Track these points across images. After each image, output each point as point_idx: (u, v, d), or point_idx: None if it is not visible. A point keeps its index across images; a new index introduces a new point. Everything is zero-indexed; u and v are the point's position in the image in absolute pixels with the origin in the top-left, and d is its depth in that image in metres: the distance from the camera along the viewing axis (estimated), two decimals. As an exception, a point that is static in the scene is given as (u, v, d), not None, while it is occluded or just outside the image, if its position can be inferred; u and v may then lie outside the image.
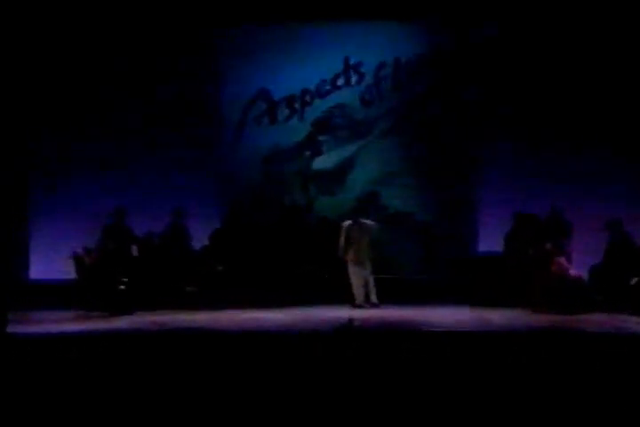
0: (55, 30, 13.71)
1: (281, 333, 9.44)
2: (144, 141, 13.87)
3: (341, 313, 11.03)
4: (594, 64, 13.45)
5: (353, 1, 13.58)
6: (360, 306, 12.01)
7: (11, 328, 8.99)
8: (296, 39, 14.26)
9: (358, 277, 12.22)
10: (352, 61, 14.30)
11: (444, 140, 14.00)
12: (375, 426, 5.85)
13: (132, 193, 13.46)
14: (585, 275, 11.78)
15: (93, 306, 11.34)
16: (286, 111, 14.39)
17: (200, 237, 13.05)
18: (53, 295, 11.82)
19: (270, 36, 14.19)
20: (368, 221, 12.54)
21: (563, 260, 11.56)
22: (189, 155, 13.85)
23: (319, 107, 14.34)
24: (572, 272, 11.47)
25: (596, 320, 10.45)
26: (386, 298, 12.20)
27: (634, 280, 11.34)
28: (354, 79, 14.33)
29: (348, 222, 12.42)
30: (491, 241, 13.06)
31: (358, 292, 12.17)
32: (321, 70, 14.27)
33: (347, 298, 12.16)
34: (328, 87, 14.32)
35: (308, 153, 14.38)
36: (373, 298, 12.17)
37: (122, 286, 11.49)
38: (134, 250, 12.65)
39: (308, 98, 14.34)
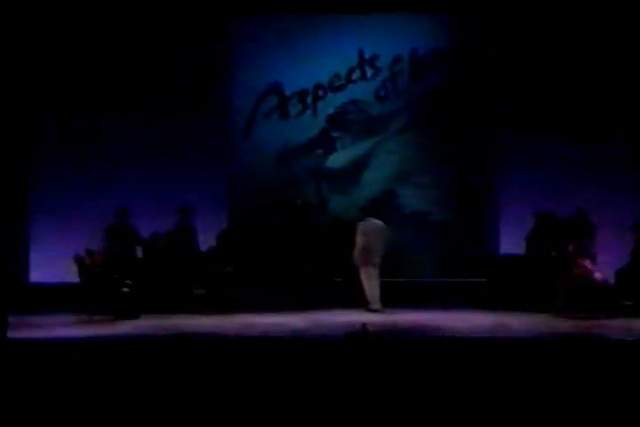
0: (64, 21, 13.72)
1: (292, 338, 9.43)
2: (149, 138, 13.81)
3: (354, 318, 10.99)
4: (622, 56, 13.37)
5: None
6: (376, 310, 11.99)
7: (10, 333, 9.00)
8: (309, 31, 14.22)
9: (374, 279, 12.19)
10: (367, 55, 14.24)
11: (463, 137, 13.93)
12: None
13: (136, 192, 13.43)
14: (610, 278, 11.70)
15: (96, 310, 11.35)
16: (298, 106, 14.34)
17: (208, 238, 13.02)
18: (54, 299, 11.85)
19: (283, 27, 14.17)
20: (379, 222, 12.51)
21: (587, 262, 11.51)
22: (197, 151, 13.85)
23: (333, 102, 14.30)
24: (597, 275, 11.42)
25: (622, 326, 10.39)
26: (401, 302, 12.17)
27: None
28: (369, 73, 14.28)
29: (364, 222, 12.38)
30: (512, 242, 13.00)
31: (373, 295, 12.13)
32: (335, 64, 14.22)
33: (359, 302, 12.13)
34: (342, 81, 14.27)
35: (320, 150, 14.34)
36: None
37: (126, 289, 11.49)
38: (139, 251, 12.66)
39: (321, 92, 14.29)
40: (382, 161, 14.18)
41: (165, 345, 8.75)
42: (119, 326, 10.57)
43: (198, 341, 9.23)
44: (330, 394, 6.50)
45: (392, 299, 12.17)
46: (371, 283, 12.17)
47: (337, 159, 14.34)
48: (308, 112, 14.35)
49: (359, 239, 12.25)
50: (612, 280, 11.70)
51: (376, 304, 12.09)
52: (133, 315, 11.19)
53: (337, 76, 14.25)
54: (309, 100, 14.32)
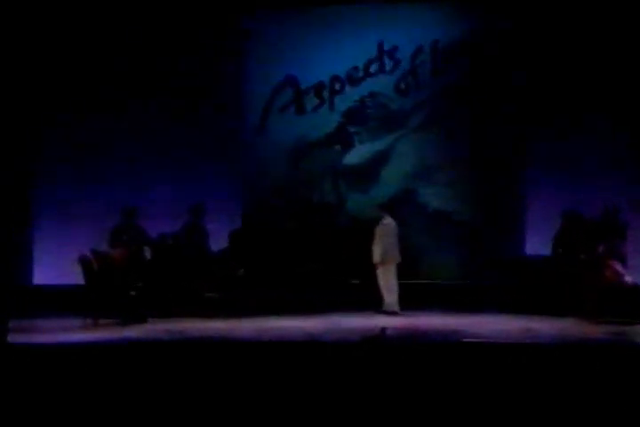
0: (71, 14, 13.78)
1: (307, 343, 9.40)
2: (158, 134, 13.84)
3: (372, 321, 10.98)
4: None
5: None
6: (393, 312, 11.97)
7: (12, 337, 8.98)
8: (326, 22, 14.19)
9: (395, 280, 12.17)
10: (386, 46, 14.21)
11: (486, 132, 13.84)
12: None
13: (144, 191, 13.46)
14: (643, 281, 11.63)
15: (103, 313, 11.35)
16: (314, 100, 14.34)
17: (219, 238, 12.99)
18: (59, 302, 11.91)
19: (298, 18, 14.23)
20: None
21: (617, 264, 11.43)
22: (208, 148, 13.86)
23: (350, 96, 14.28)
24: (627, 278, 11.34)
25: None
26: (422, 305, 12.20)
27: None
28: (388, 66, 14.23)
29: (388, 220, 12.31)
30: (538, 243, 12.93)
31: (393, 297, 12.12)
32: (353, 56, 14.20)
33: (376, 304, 12.13)
34: (360, 74, 14.25)
35: (337, 146, 14.32)
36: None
37: (134, 292, 11.46)
38: (147, 252, 12.64)
39: (338, 86, 14.28)
40: (402, 158, 14.13)
41: (175, 351, 8.72)
42: (126, 330, 10.54)
43: (209, 346, 9.20)
44: (349, 401, 6.50)
45: (412, 301, 12.19)
46: (391, 283, 12.16)
47: (355, 156, 14.31)
48: (325, 106, 14.36)
49: (386, 237, 12.19)
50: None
51: (394, 306, 12.07)
52: (141, 319, 11.16)
53: (355, 68, 14.24)
54: (326, 93, 14.32)
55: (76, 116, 13.85)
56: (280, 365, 7.64)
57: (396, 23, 14.13)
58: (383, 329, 9.97)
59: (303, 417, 6.31)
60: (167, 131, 13.80)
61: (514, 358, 7.98)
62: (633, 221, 12.30)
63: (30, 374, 7.44)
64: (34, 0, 13.60)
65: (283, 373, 7.34)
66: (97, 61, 13.87)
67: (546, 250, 12.57)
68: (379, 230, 12.27)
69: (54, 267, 13.07)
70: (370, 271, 12.29)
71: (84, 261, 11.78)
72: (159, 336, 10.04)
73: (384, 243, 12.18)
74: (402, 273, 12.32)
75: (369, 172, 14.23)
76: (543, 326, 10.67)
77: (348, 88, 14.27)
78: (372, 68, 14.25)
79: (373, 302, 12.14)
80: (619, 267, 11.40)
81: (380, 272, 12.19)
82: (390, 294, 12.12)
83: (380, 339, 9.08)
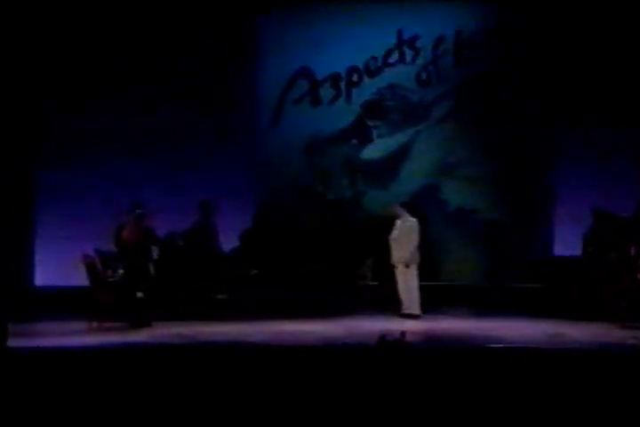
0: (81, 14, 13.84)
1: (322, 348, 9.34)
2: (166, 128, 13.81)
3: (392, 325, 10.95)
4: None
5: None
6: (414, 315, 11.96)
7: (12, 342, 8.96)
8: (343, 10, 14.21)
9: (417, 281, 12.14)
10: (406, 35, 14.21)
11: (513, 126, 13.81)
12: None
13: (151, 187, 13.41)
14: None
15: (108, 316, 11.34)
16: (331, 92, 14.35)
17: (231, 237, 13.01)
18: (61, 304, 11.90)
19: (314, 6, 14.25)
20: None
21: (651, 265, 11.35)
22: (220, 143, 13.86)
23: (368, 87, 14.30)
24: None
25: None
26: (444, 308, 12.25)
27: None
28: (409, 55, 14.25)
29: (413, 220, 12.27)
30: (567, 243, 12.94)
31: (414, 298, 12.08)
32: (371, 45, 14.23)
33: (395, 306, 12.13)
34: (379, 65, 14.26)
35: (355, 140, 14.34)
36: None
37: (140, 294, 11.44)
38: (155, 252, 12.62)
39: (355, 77, 14.30)
40: (423, 152, 14.16)
41: (183, 356, 8.66)
42: (133, 334, 10.54)
43: (220, 350, 9.15)
44: (367, 410, 6.43)
45: (433, 304, 12.21)
46: (412, 285, 12.12)
47: (373, 151, 14.34)
48: (342, 99, 14.40)
49: (408, 236, 12.13)
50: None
51: (415, 309, 12.05)
52: (149, 322, 11.15)
53: (373, 58, 14.27)
54: (343, 85, 14.34)
55: (77, 113, 13.85)
56: (294, 371, 7.58)
57: (416, 11, 14.23)
58: (403, 333, 9.90)
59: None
60: (176, 125, 13.78)
61: (541, 365, 7.90)
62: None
63: (31, 380, 7.40)
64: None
65: (297, 379, 7.28)
66: (102, 58, 13.89)
67: (575, 250, 12.55)
68: (400, 229, 12.22)
69: (56, 267, 13.10)
70: (389, 272, 12.24)
71: (87, 262, 11.78)
72: (167, 340, 10.03)
73: (407, 243, 12.12)
74: (422, 274, 12.25)
75: (388, 167, 14.25)
76: (573, 331, 10.60)
77: (366, 79, 14.30)
78: (392, 59, 14.27)
79: (391, 305, 12.13)
80: (652, 268, 11.36)
81: (400, 273, 12.14)
82: (411, 297, 12.08)
83: (399, 344, 9.00)
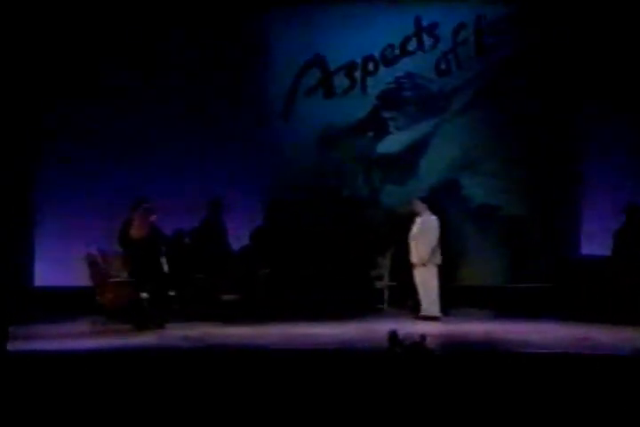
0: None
1: (339, 351, 9.38)
2: (172, 120, 13.82)
3: (410, 327, 10.92)
4: None
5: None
6: (436, 318, 11.99)
7: (12, 345, 8.99)
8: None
9: (437, 283, 12.15)
10: (425, 22, 14.18)
11: (538, 118, 13.79)
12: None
13: (157, 183, 13.42)
14: None
15: (112, 318, 11.36)
16: (345, 82, 14.32)
17: (241, 236, 13.01)
18: (63, 305, 11.92)
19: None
20: None
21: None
22: (227, 137, 13.82)
23: (385, 77, 14.27)
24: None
25: None
26: (465, 311, 12.33)
27: None
28: (427, 43, 14.22)
29: (434, 217, 12.27)
30: (595, 242, 12.92)
31: (434, 300, 12.11)
32: (387, 33, 14.20)
33: (413, 308, 12.20)
34: (396, 53, 14.23)
35: (371, 133, 14.32)
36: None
37: (145, 294, 11.46)
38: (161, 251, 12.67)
39: (371, 66, 14.27)
40: (443, 145, 14.12)
41: (193, 360, 8.71)
42: (138, 336, 10.55)
43: (230, 354, 9.18)
44: (386, 416, 6.44)
45: (453, 306, 12.28)
46: (432, 286, 12.15)
47: (390, 144, 14.31)
48: (357, 89, 14.36)
49: (430, 234, 12.14)
50: None
51: (435, 311, 12.08)
52: (155, 324, 11.14)
53: (390, 46, 14.23)
54: (358, 74, 14.32)
55: (77, 107, 13.85)
56: (308, 376, 7.61)
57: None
58: (423, 337, 9.90)
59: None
60: (181, 119, 13.79)
61: (570, 372, 7.91)
62: None
63: (33, 386, 7.43)
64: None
65: (313, 384, 7.31)
66: (106, 52, 13.90)
67: (604, 249, 12.52)
68: (420, 227, 12.21)
69: (57, 267, 13.14)
70: (407, 272, 12.27)
71: (90, 260, 11.81)
72: (173, 344, 10.06)
73: (428, 241, 12.13)
74: (443, 274, 12.26)
75: (406, 161, 14.23)
76: (602, 336, 10.57)
77: (382, 68, 14.27)
78: (410, 47, 14.23)
79: (410, 306, 12.23)
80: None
81: (419, 273, 12.17)
82: (430, 298, 12.11)
83: (419, 348, 9.01)
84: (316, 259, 13.06)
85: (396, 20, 14.16)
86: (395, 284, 12.83)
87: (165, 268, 11.38)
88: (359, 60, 14.24)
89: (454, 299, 12.28)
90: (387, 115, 14.30)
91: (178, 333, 10.80)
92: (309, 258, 13.06)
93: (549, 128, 13.78)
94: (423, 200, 12.49)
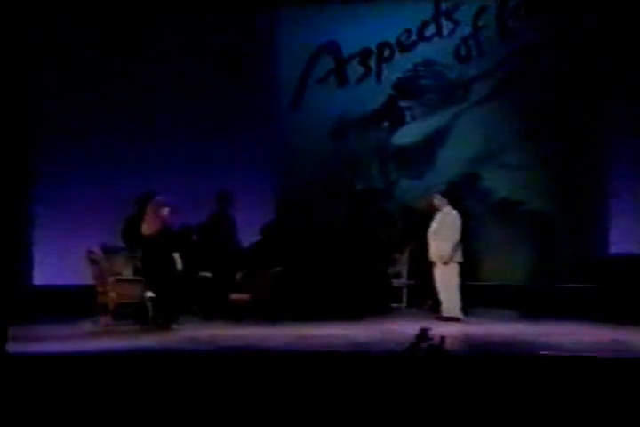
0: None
1: (353, 354, 9.36)
2: (177, 111, 13.92)
3: (428, 329, 10.90)
4: None
5: None
6: (457, 319, 11.99)
7: (12, 346, 8.99)
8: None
9: (458, 281, 12.14)
10: (444, 6, 14.18)
11: (565, 107, 13.72)
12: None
13: (162, 176, 13.41)
14: None
15: (115, 317, 11.37)
16: (359, 70, 14.37)
17: (250, 231, 13.00)
18: (64, 305, 11.95)
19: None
20: None
21: None
22: (236, 128, 13.90)
23: (402, 64, 14.31)
24: None
25: None
26: (487, 311, 12.35)
27: None
28: (446, 28, 14.23)
29: (455, 212, 12.26)
30: (625, 239, 12.95)
31: (456, 300, 12.10)
32: (404, 18, 14.22)
33: (432, 308, 12.28)
34: (413, 39, 14.25)
35: (386, 124, 14.34)
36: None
37: (151, 293, 11.47)
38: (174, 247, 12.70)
39: (387, 53, 14.31)
40: (463, 137, 14.12)
41: (200, 363, 8.70)
42: (143, 337, 10.55)
43: (239, 356, 9.18)
44: (404, 422, 6.43)
45: (475, 306, 12.32)
46: (453, 285, 12.13)
47: (406, 135, 14.35)
48: (371, 77, 14.42)
49: (451, 230, 12.12)
50: None
51: (456, 311, 12.08)
52: (160, 325, 11.15)
53: (407, 32, 14.24)
54: (373, 61, 14.37)
55: (78, 101, 13.98)
56: (323, 380, 7.60)
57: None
58: (443, 339, 9.89)
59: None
60: (187, 109, 13.89)
61: (598, 375, 7.88)
62: None
63: (34, 389, 7.45)
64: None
65: (326, 389, 7.31)
66: (118, 34, 14.03)
67: (635, 248, 12.60)
68: (440, 222, 12.19)
69: (57, 265, 13.20)
70: (426, 270, 12.28)
71: (92, 258, 11.82)
72: (179, 346, 10.02)
73: (447, 238, 12.11)
74: (463, 273, 12.23)
75: (423, 153, 14.27)
76: (632, 338, 10.49)
77: (398, 55, 14.33)
78: (428, 32, 14.24)
79: (429, 306, 12.29)
80: None
81: (440, 272, 12.15)
82: (451, 297, 12.10)
83: (439, 350, 9.00)
84: (329, 256, 13.04)
85: (413, 4, 14.20)
86: (413, 282, 12.82)
87: (179, 265, 11.35)
88: (374, 47, 14.26)
89: (476, 298, 12.32)
90: (403, 104, 14.34)
91: (185, 334, 10.78)
92: (323, 255, 13.04)
93: (576, 118, 13.68)
94: (444, 195, 12.46)
